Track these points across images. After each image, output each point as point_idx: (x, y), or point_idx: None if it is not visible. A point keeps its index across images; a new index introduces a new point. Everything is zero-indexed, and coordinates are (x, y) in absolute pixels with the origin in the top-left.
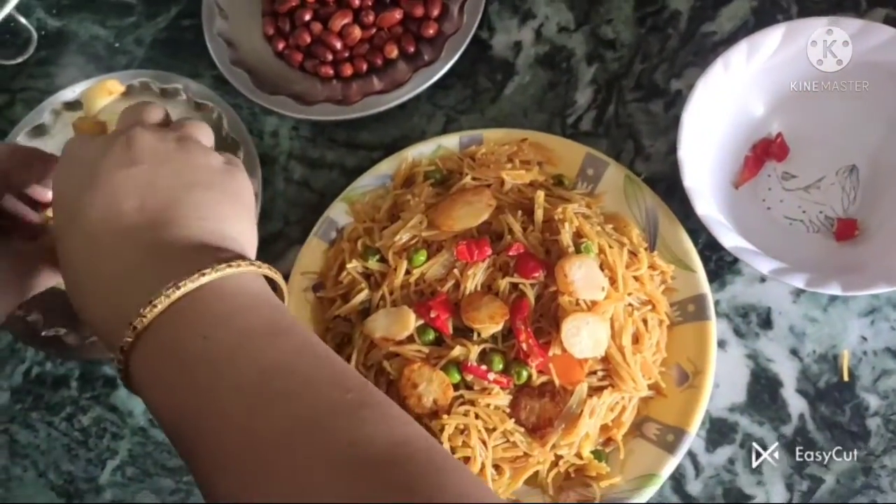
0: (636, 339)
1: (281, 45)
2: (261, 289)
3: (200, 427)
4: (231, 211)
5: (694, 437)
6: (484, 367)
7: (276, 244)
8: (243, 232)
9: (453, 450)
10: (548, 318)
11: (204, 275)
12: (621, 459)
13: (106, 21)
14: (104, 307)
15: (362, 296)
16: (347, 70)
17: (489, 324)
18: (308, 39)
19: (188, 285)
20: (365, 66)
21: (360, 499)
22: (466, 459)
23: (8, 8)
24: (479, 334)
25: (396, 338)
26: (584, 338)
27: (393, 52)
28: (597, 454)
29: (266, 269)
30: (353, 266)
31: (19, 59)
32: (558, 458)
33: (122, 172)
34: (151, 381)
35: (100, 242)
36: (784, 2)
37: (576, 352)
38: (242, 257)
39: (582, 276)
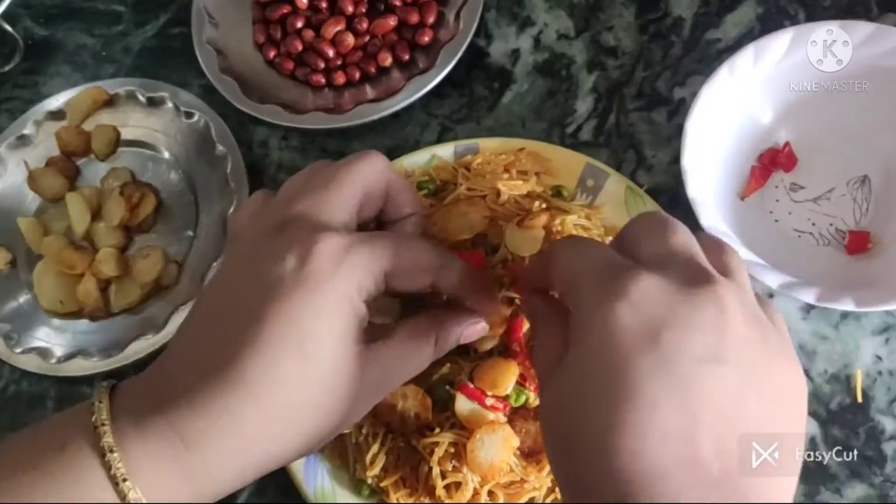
0: None
1: (272, 54)
2: None
3: None
4: None
5: None
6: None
7: None
8: None
9: (444, 474)
10: None
11: None
12: None
13: (94, 29)
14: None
15: None
16: (340, 78)
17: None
18: (300, 47)
19: None
20: (358, 75)
21: None
22: (458, 485)
23: None
24: (475, 351)
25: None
26: None
27: (387, 60)
28: None
29: None
30: None
31: (5, 69)
32: (555, 484)
33: (709, 371)
34: None
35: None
36: (791, 8)
37: None
38: None
39: None
